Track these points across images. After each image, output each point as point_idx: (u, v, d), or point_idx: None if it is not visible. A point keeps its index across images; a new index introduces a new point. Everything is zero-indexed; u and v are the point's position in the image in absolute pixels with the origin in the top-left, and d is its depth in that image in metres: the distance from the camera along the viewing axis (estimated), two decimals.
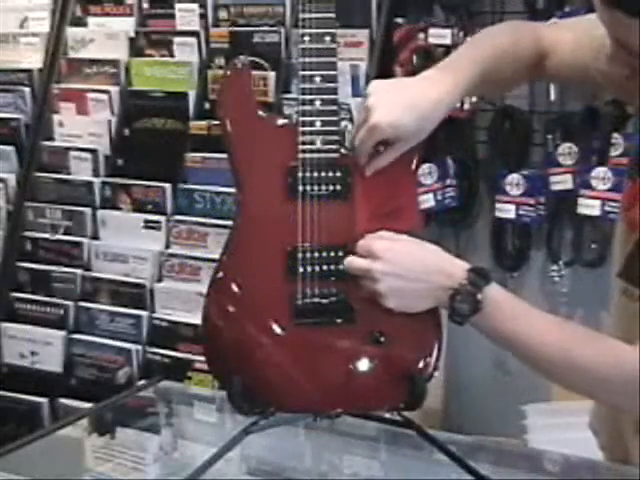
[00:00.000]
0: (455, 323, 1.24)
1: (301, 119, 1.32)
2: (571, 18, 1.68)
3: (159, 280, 2.61)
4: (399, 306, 1.27)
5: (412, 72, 2.45)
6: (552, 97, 2.48)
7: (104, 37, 2.82)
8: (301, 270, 1.32)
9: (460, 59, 1.34)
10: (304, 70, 1.31)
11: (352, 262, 1.28)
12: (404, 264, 1.24)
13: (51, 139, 2.84)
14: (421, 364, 1.33)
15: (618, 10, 1.07)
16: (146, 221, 2.64)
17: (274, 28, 2.58)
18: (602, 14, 1.10)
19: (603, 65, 1.16)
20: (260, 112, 1.36)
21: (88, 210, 2.73)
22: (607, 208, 2.33)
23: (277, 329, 1.33)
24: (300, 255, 1.32)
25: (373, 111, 1.26)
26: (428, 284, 1.25)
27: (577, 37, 1.32)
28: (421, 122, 1.27)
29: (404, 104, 1.27)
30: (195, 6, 2.70)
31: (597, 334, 1.24)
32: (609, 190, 2.32)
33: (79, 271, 2.70)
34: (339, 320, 1.32)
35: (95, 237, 2.72)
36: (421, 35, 2.50)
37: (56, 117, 2.84)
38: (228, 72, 1.40)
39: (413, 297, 1.26)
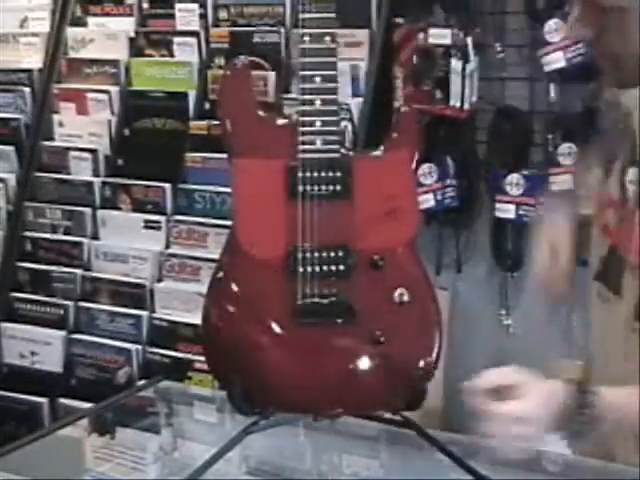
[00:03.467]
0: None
1: (301, 119, 1.32)
2: None
3: (159, 280, 2.61)
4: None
5: (412, 72, 2.46)
6: (552, 97, 2.47)
7: (104, 37, 2.82)
8: (301, 270, 1.32)
9: None
10: (304, 70, 1.31)
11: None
12: (539, 419, 1.28)
13: (51, 139, 2.84)
14: (421, 364, 1.33)
15: None
16: (146, 221, 2.64)
17: (274, 28, 2.57)
18: None
19: None
20: (260, 112, 1.36)
21: (88, 210, 2.73)
22: None
23: (277, 329, 1.33)
24: (300, 255, 1.32)
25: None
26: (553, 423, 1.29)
27: None
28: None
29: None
30: (195, 6, 2.70)
31: None
32: None
33: (79, 271, 2.69)
34: (339, 320, 1.32)
35: (95, 237, 2.72)
36: (421, 35, 2.49)
37: (56, 117, 2.83)
38: (228, 72, 1.40)
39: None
